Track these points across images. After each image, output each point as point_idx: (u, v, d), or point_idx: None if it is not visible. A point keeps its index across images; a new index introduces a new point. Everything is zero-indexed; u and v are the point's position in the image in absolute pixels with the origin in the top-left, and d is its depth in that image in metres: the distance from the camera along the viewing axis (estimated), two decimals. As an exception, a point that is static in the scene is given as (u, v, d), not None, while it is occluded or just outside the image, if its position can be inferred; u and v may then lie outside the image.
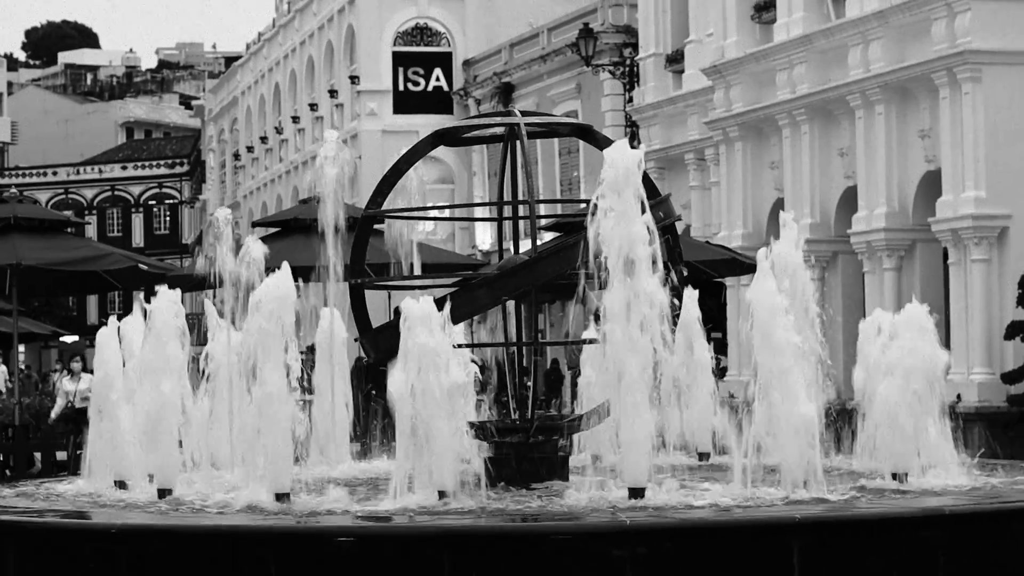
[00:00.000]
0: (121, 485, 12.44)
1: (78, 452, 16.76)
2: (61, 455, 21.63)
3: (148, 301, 12.35)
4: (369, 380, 22.49)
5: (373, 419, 17.47)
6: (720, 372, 18.09)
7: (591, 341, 12.84)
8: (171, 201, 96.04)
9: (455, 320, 11.39)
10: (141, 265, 23.65)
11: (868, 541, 9.63)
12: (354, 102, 53.36)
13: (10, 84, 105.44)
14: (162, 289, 12.29)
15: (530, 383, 13.17)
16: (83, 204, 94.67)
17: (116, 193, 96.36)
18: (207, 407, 12.74)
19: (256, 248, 12.31)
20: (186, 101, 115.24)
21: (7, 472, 21.78)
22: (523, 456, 11.98)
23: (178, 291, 12.27)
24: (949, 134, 26.35)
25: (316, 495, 11.19)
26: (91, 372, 14.21)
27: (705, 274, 25.23)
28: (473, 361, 11.51)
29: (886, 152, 28.01)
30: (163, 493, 11.73)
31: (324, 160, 13.19)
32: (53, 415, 23.61)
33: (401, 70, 52.21)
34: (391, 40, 52.26)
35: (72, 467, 19.36)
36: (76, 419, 21.64)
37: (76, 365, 24.58)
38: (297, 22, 61.50)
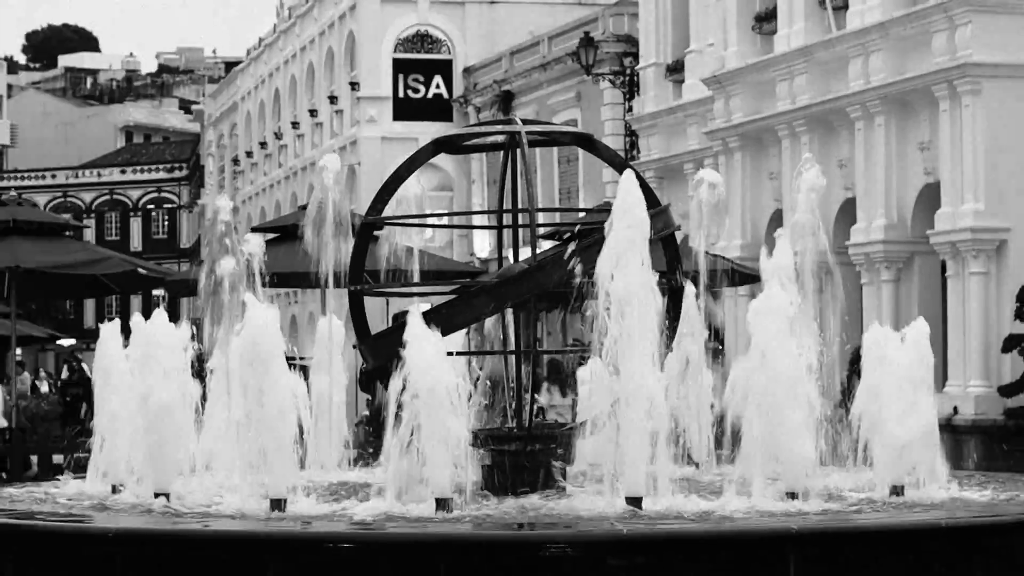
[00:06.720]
0: (116, 489, 12.45)
1: (74, 455, 16.77)
2: (58, 458, 21.65)
3: (145, 309, 12.37)
4: (370, 387, 22.50)
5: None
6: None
7: (589, 348, 12.81)
8: (170, 205, 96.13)
9: (453, 329, 11.38)
10: (140, 269, 23.66)
11: (865, 553, 9.64)
12: (354, 108, 53.39)
13: (10, 87, 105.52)
14: (158, 311, 12.24)
15: (527, 392, 13.15)
16: (81, 207, 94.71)
17: (115, 197, 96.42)
18: (207, 409, 12.73)
19: (255, 242, 12.23)
20: (186, 106, 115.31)
21: (3, 475, 21.78)
22: (520, 464, 11.96)
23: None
24: (948, 147, 26.37)
25: (314, 501, 11.18)
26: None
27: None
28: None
29: (885, 164, 28.03)
30: (161, 496, 11.74)
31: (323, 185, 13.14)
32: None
33: (401, 77, 52.26)
34: (391, 47, 52.32)
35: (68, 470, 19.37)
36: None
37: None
38: (298, 28, 61.55)
